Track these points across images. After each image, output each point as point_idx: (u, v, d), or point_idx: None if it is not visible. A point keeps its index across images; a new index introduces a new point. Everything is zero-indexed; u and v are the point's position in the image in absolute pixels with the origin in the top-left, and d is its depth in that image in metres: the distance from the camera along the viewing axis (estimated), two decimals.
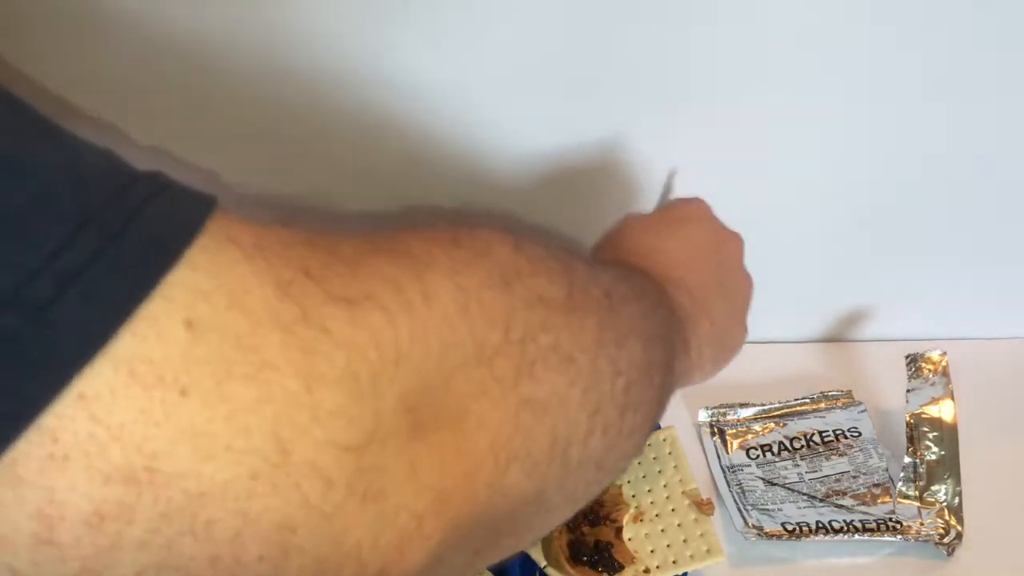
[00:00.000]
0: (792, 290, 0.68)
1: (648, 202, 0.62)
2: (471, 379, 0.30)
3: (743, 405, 0.65)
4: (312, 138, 0.58)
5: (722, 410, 0.65)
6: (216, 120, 0.58)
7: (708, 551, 0.55)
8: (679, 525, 0.57)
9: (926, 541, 0.57)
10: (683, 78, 0.57)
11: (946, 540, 0.57)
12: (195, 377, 0.23)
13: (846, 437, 0.64)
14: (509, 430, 0.31)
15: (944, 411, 0.61)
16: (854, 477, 0.61)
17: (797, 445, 0.63)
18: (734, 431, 0.64)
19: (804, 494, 0.60)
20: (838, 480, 0.61)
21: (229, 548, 0.24)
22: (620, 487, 0.58)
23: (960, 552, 0.57)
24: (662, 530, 0.57)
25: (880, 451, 0.63)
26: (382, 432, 0.26)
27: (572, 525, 0.55)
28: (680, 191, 0.60)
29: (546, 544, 0.55)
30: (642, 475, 0.59)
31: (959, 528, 0.58)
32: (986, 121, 0.60)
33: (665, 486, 0.59)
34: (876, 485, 0.61)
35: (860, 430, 0.64)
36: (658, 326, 0.40)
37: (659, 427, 0.60)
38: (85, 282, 0.22)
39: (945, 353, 0.61)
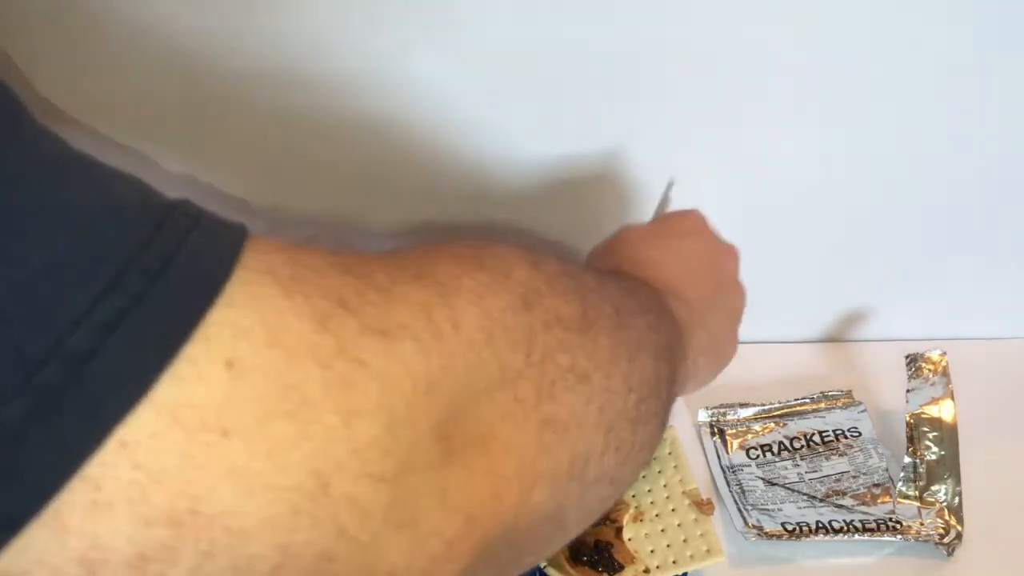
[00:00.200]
0: (792, 290, 0.68)
1: (646, 201, 0.62)
2: (496, 402, 0.30)
3: (743, 405, 0.65)
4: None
5: (722, 410, 0.65)
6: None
7: (708, 551, 0.55)
8: (679, 525, 0.57)
9: (926, 541, 0.57)
10: (683, 78, 0.56)
11: (946, 540, 0.57)
12: (236, 417, 0.23)
13: (846, 437, 0.64)
14: (533, 451, 0.31)
15: (944, 411, 0.61)
16: (854, 477, 0.61)
17: (797, 445, 0.63)
18: (734, 431, 0.64)
19: (804, 494, 0.60)
20: (838, 480, 0.61)
21: None
22: None
23: (960, 552, 0.57)
24: (662, 530, 0.57)
25: (880, 451, 0.63)
26: (415, 460, 0.27)
27: None
28: (678, 200, 0.60)
29: None
30: (642, 475, 0.59)
31: (959, 528, 0.58)
32: (986, 121, 0.60)
33: (665, 486, 0.59)
34: (876, 485, 0.61)
35: (860, 430, 0.64)
36: (664, 339, 0.41)
37: None
38: (126, 329, 0.22)
39: (945, 353, 0.61)
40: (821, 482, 0.61)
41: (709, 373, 0.51)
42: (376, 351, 0.26)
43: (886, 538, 0.58)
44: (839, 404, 0.66)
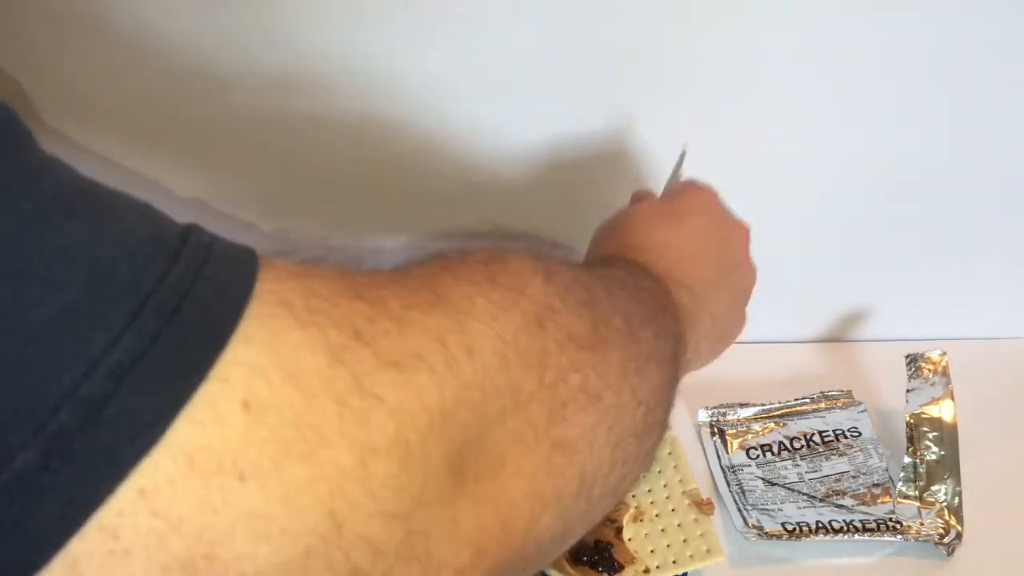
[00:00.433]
0: (792, 290, 0.68)
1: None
2: (507, 429, 0.30)
3: (743, 405, 0.65)
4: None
5: (722, 410, 0.65)
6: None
7: (708, 551, 0.55)
8: (679, 525, 0.57)
9: (926, 541, 0.57)
10: (683, 78, 0.57)
11: (946, 540, 0.57)
12: (253, 460, 0.23)
13: (846, 437, 0.64)
14: (543, 476, 0.31)
15: (944, 411, 0.61)
16: (854, 477, 0.61)
17: (797, 445, 0.63)
18: (734, 431, 0.64)
19: (804, 494, 0.60)
20: (838, 480, 0.61)
21: None
22: None
23: (960, 552, 0.57)
24: (662, 530, 0.57)
25: (880, 451, 0.63)
26: (428, 495, 0.27)
27: None
28: (689, 171, 0.59)
29: None
30: (642, 475, 0.59)
31: (959, 528, 0.58)
32: (987, 121, 0.60)
33: (665, 486, 0.59)
34: (876, 485, 0.61)
35: (860, 430, 0.64)
36: (670, 342, 0.40)
37: None
38: (142, 372, 0.22)
39: (945, 353, 0.61)
40: (821, 482, 0.61)
41: (712, 354, 0.49)
42: (391, 385, 0.26)
43: (886, 538, 0.58)
44: (839, 404, 0.66)
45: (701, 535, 0.56)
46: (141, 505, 0.22)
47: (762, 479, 0.61)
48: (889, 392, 0.65)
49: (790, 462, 0.62)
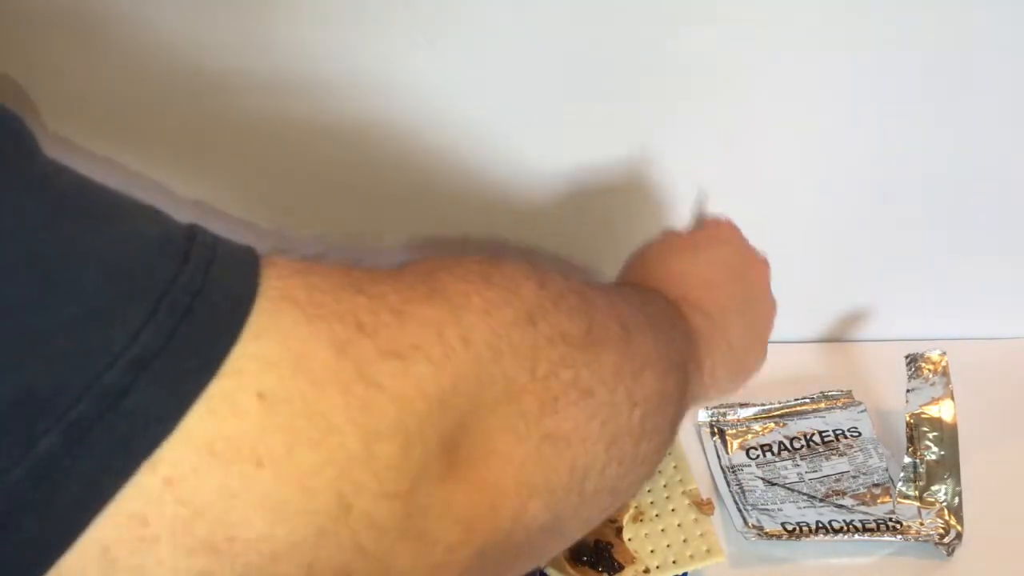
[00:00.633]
0: (792, 290, 0.68)
1: (655, 210, 0.62)
2: (499, 417, 0.31)
3: (743, 405, 0.65)
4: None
5: (722, 410, 0.65)
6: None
7: (708, 551, 0.55)
8: (679, 525, 0.57)
9: (926, 541, 0.57)
10: (683, 79, 0.57)
11: (946, 540, 0.57)
12: (268, 447, 0.25)
13: (846, 437, 0.64)
14: (532, 464, 0.32)
15: (944, 411, 0.61)
16: (854, 477, 0.61)
17: (797, 445, 0.63)
18: (734, 431, 0.64)
19: (804, 494, 0.60)
20: (838, 480, 0.61)
21: None
22: None
23: (960, 552, 0.57)
24: (662, 530, 0.57)
25: (880, 451, 0.63)
26: (425, 476, 0.28)
27: None
28: (710, 208, 0.60)
29: None
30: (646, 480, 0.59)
31: (959, 528, 0.58)
32: (987, 121, 0.60)
33: (665, 486, 0.59)
34: (876, 485, 0.61)
35: (860, 430, 0.64)
36: (673, 354, 0.41)
37: None
38: (159, 367, 0.23)
39: (945, 353, 0.61)
40: (821, 482, 0.61)
41: (730, 384, 0.50)
42: (392, 374, 0.28)
43: (886, 538, 0.58)
44: (839, 404, 0.66)
45: (701, 535, 0.56)
46: (168, 493, 0.23)
47: (762, 479, 0.61)
48: (889, 392, 0.65)
49: (790, 462, 0.62)
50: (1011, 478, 0.62)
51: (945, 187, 0.63)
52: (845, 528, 0.58)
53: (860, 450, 0.63)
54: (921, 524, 0.58)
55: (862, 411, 0.65)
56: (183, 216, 0.27)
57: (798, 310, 0.70)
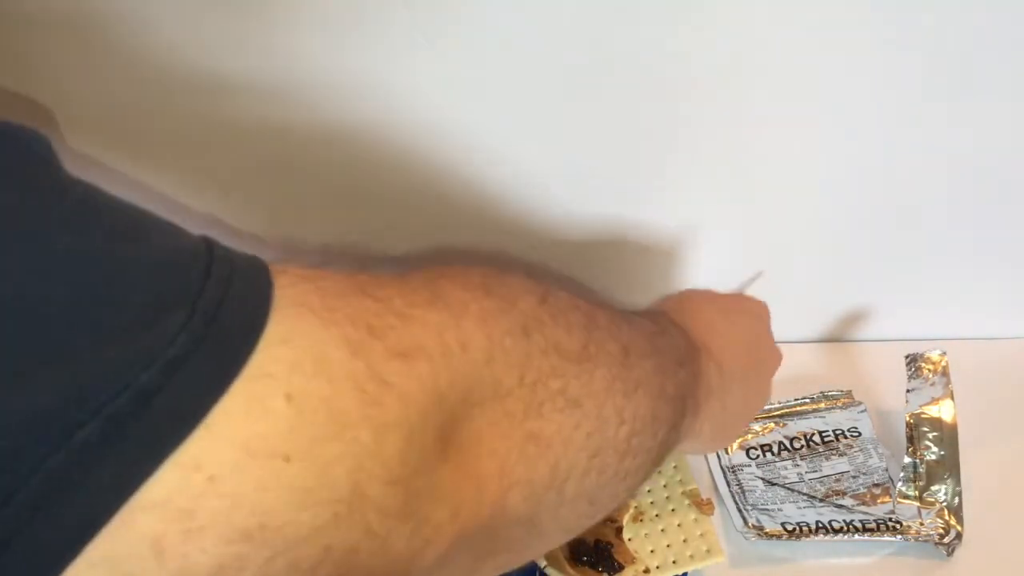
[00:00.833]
0: (792, 290, 0.68)
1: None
2: (486, 413, 0.34)
3: None
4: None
5: None
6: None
7: (708, 551, 0.55)
8: (679, 525, 0.57)
9: (926, 541, 0.57)
10: (684, 79, 0.56)
11: (946, 540, 0.57)
12: (295, 443, 0.28)
13: (846, 437, 0.64)
14: (514, 459, 0.35)
15: (944, 411, 0.61)
16: (854, 477, 0.61)
17: (797, 445, 0.63)
18: None
19: (804, 494, 0.60)
20: (838, 480, 0.61)
21: (313, 575, 0.29)
22: None
23: (960, 552, 0.57)
24: (662, 530, 0.57)
25: (880, 451, 0.63)
26: (423, 465, 0.31)
27: None
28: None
29: None
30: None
31: (959, 528, 0.58)
32: (986, 121, 0.60)
33: (665, 486, 0.59)
34: (876, 485, 0.61)
35: (860, 430, 0.64)
36: (673, 386, 0.43)
37: None
38: (189, 372, 0.26)
39: (945, 353, 0.61)
40: (821, 482, 0.61)
41: (712, 442, 0.52)
42: (399, 372, 0.30)
43: (886, 538, 0.58)
44: (839, 404, 0.66)
45: (701, 535, 0.56)
46: (211, 488, 0.26)
47: (762, 479, 0.61)
48: (889, 392, 0.65)
49: (790, 462, 0.63)
50: (1011, 478, 0.62)
51: (945, 187, 0.63)
52: (845, 528, 0.58)
53: (860, 450, 0.63)
54: (921, 524, 0.58)
55: (862, 411, 0.65)
56: (184, 225, 0.29)
57: (798, 310, 0.70)
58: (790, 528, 0.58)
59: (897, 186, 0.63)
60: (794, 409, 0.66)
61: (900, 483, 0.59)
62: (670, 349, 0.45)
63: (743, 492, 0.60)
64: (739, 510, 0.59)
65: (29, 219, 0.26)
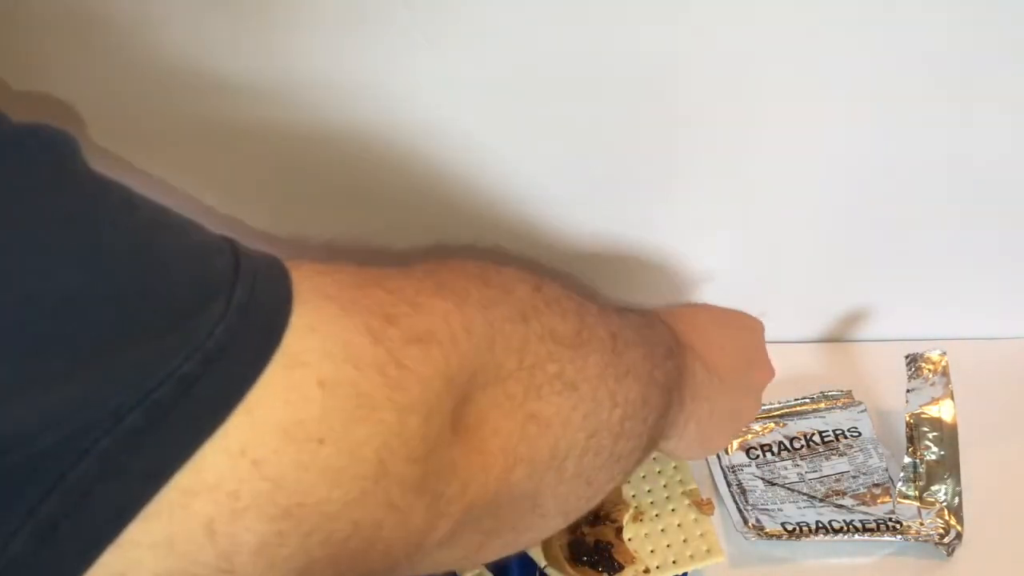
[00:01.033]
0: (792, 290, 0.68)
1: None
2: (488, 395, 0.36)
3: None
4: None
5: None
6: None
7: (708, 551, 0.55)
8: (679, 525, 0.57)
9: (926, 541, 0.57)
10: (685, 79, 0.56)
11: (946, 540, 0.57)
12: (329, 426, 0.30)
13: (846, 437, 0.64)
14: (516, 438, 0.37)
15: (944, 411, 0.61)
16: (854, 477, 0.61)
17: (797, 445, 0.63)
18: None
19: (804, 494, 0.60)
20: (838, 480, 0.61)
21: (343, 548, 0.31)
22: (620, 487, 0.58)
23: (960, 552, 0.57)
24: (662, 530, 0.57)
25: (880, 451, 0.63)
26: (438, 443, 0.33)
27: (572, 525, 0.55)
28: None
29: (546, 544, 0.55)
30: (642, 475, 0.59)
31: (959, 528, 0.58)
32: (986, 121, 0.60)
33: (665, 486, 0.59)
34: (876, 485, 0.61)
35: (860, 430, 0.64)
36: (660, 374, 0.45)
37: None
38: (225, 361, 0.28)
39: (945, 353, 0.61)
40: (821, 482, 0.61)
41: (694, 447, 0.52)
42: (416, 357, 0.32)
43: (886, 538, 0.58)
44: (839, 404, 0.66)
45: (701, 535, 0.56)
46: (255, 472, 0.28)
47: (762, 479, 0.61)
48: (889, 392, 0.65)
49: (790, 462, 0.62)
50: (1011, 478, 0.62)
51: (945, 187, 0.63)
52: (845, 528, 0.58)
53: (860, 450, 0.63)
54: (921, 524, 0.58)
55: (862, 411, 0.65)
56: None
57: (798, 310, 0.70)
58: (790, 528, 0.58)
59: (897, 186, 0.63)
60: (794, 409, 0.66)
61: (900, 483, 0.59)
62: (658, 340, 0.46)
63: (743, 492, 0.60)
64: (739, 510, 0.59)
65: (79, 217, 0.27)
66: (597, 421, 0.40)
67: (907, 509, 0.59)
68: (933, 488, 0.59)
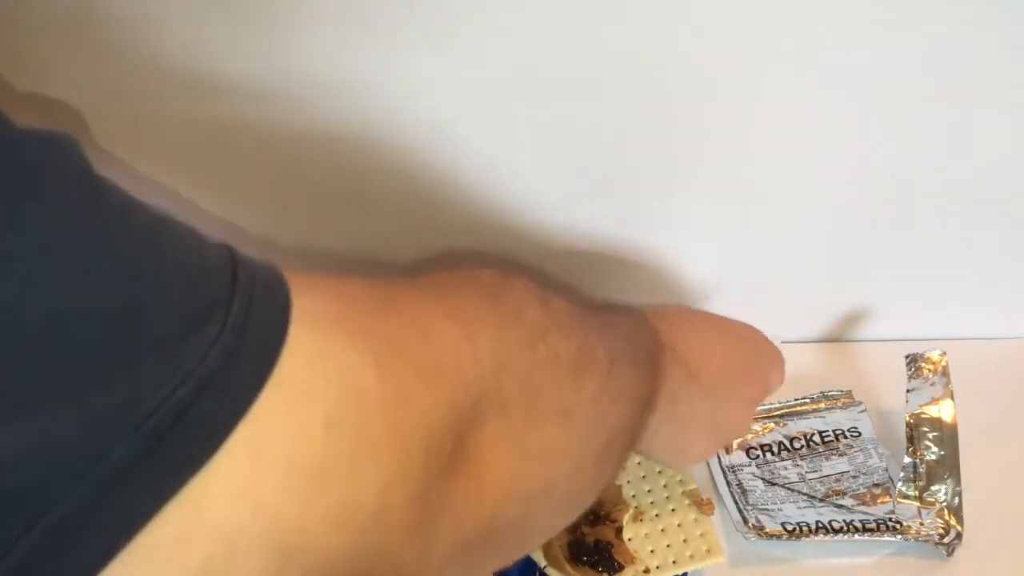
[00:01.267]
0: (792, 290, 0.68)
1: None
2: (488, 425, 0.36)
3: None
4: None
5: None
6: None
7: (708, 551, 0.55)
8: (679, 525, 0.57)
9: (926, 541, 0.57)
10: (685, 79, 0.56)
11: (946, 540, 0.57)
12: (335, 466, 0.29)
13: (846, 437, 0.64)
14: (511, 473, 0.37)
15: (944, 411, 0.61)
16: (854, 477, 0.61)
17: (797, 445, 0.63)
18: None
19: (804, 494, 0.60)
20: (838, 480, 0.61)
21: None
22: (620, 487, 0.58)
23: (960, 552, 0.57)
24: (662, 530, 0.57)
25: (880, 451, 0.63)
26: (439, 477, 0.33)
27: (572, 525, 0.55)
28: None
29: (546, 544, 0.55)
30: (642, 475, 0.59)
31: (959, 528, 0.58)
32: (986, 121, 0.60)
33: (665, 486, 0.59)
34: (876, 485, 0.61)
35: (860, 430, 0.64)
36: (645, 389, 0.45)
37: None
38: (220, 384, 0.26)
39: (945, 353, 0.61)
40: (821, 482, 0.61)
41: (664, 452, 0.51)
42: (422, 392, 0.32)
43: (886, 538, 0.58)
44: (839, 404, 0.66)
45: (701, 535, 0.56)
46: (257, 511, 0.27)
47: (762, 479, 0.61)
48: (889, 392, 0.65)
49: (790, 462, 0.62)
50: (1011, 478, 0.62)
51: (945, 187, 0.63)
52: (845, 528, 0.58)
53: (860, 450, 0.63)
54: (921, 524, 0.58)
55: (862, 411, 0.65)
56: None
57: (798, 310, 0.70)
58: (790, 528, 0.58)
59: (897, 186, 0.63)
60: (794, 409, 0.66)
61: (900, 483, 0.59)
62: (642, 352, 0.46)
63: (743, 492, 0.60)
64: (739, 510, 0.59)
65: (82, 226, 0.26)
66: (586, 447, 0.40)
67: (907, 509, 0.59)
68: (933, 488, 0.59)
